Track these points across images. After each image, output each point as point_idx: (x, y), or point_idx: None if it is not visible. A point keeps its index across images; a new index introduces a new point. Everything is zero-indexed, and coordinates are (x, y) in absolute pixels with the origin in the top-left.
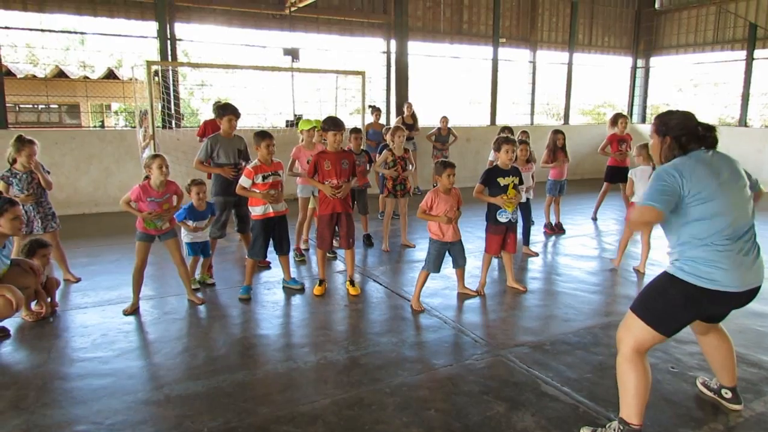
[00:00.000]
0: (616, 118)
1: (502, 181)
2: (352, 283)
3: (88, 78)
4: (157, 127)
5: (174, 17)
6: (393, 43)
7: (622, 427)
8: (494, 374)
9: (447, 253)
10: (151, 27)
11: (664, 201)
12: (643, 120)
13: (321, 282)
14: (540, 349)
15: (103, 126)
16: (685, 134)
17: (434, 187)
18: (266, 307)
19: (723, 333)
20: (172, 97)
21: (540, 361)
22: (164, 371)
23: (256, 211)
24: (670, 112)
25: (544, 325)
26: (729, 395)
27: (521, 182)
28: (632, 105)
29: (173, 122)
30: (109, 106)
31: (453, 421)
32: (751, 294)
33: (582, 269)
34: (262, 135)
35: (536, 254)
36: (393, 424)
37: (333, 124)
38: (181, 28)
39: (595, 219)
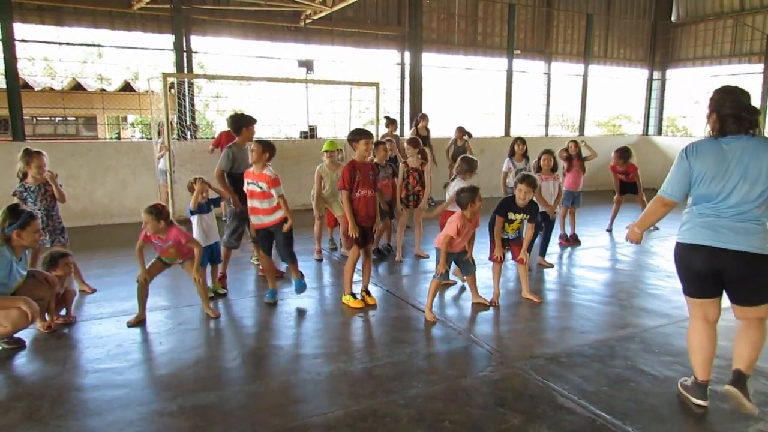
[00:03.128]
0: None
1: (511, 216)
2: (368, 292)
3: (104, 90)
4: (174, 138)
5: (190, 30)
6: (407, 54)
7: (692, 379)
8: (509, 386)
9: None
10: (167, 40)
11: (675, 186)
12: (659, 132)
13: (354, 296)
14: (555, 361)
15: (119, 138)
16: (731, 115)
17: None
18: (279, 317)
19: (763, 329)
20: (187, 108)
21: (556, 373)
22: (178, 382)
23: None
24: (726, 91)
25: (560, 337)
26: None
27: (531, 220)
28: (648, 117)
29: (189, 134)
30: (125, 118)
31: None
32: (738, 256)
33: (597, 281)
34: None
35: (551, 265)
36: None
37: (362, 133)
38: (196, 41)
39: (610, 231)
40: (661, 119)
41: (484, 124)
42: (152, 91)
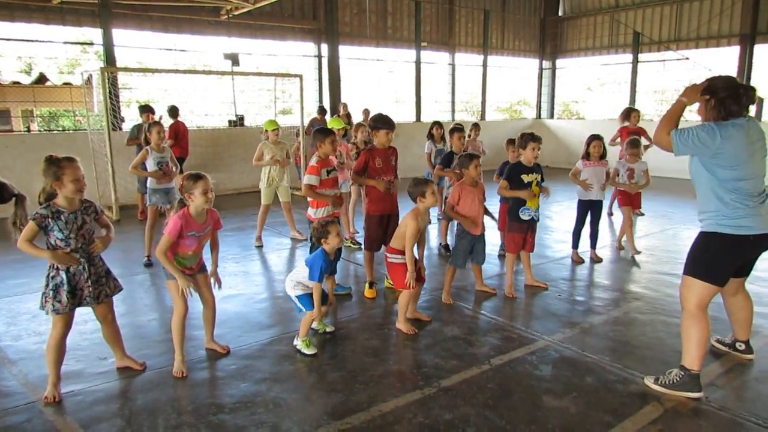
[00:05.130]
0: (629, 112)
1: (525, 178)
2: (371, 284)
3: (18, 83)
4: (98, 129)
5: (111, 23)
6: (324, 47)
7: (683, 373)
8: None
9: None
10: (86, 32)
11: (688, 144)
12: (551, 116)
13: (371, 284)
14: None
15: (29, 131)
16: (727, 96)
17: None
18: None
19: (748, 294)
20: (115, 101)
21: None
22: None
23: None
24: (714, 78)
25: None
26: (742, 347)
27: (543, 179)
28: (540, 102)
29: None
30: (31, 111)
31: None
32: None
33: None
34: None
35: (601, 260)
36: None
37: (385, 122)
38: (118, 34)
39: (610, 214)
40: (553, 104)
41: (396, 111)
42: (87, 84)
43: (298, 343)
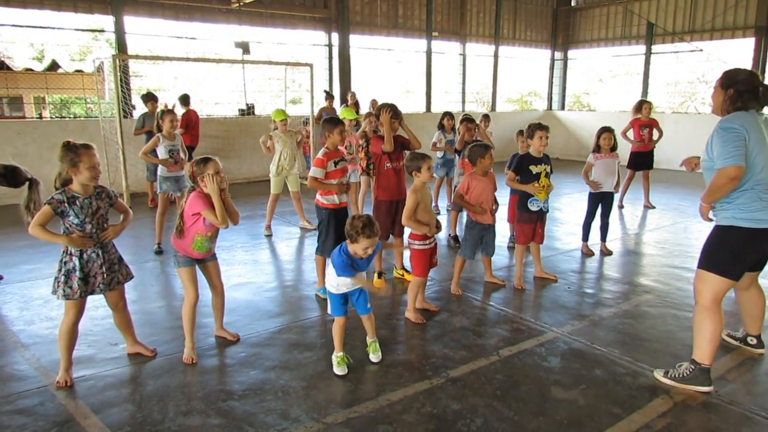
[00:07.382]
0: (641, 104)
1: (534, 169)
2: (406, 270)
3: (31, 70)
4: (109, 117)
5: (123, 11)
6: (335, 36)
7: (693, 367)
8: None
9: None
10: (98, 20)
11: (740, 153)
12: (562, 107)
13: (380, 274)
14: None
15: (41, 117)
16: (747, 90)
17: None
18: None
19: (761, 289)
20: (126, 89)
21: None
22: None
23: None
24: (738, 70)
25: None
26: (754, 342)
27: (552, 171)
28: (551, 94)
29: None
30: (43, 98)
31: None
32: None
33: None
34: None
35: (611, 252)
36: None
37: (394, 113)
38: (129, 21)
39: (621, 207)
40: (564, 95)
41: (406, 101)
42: (98, 71)
43: (333, 358)
